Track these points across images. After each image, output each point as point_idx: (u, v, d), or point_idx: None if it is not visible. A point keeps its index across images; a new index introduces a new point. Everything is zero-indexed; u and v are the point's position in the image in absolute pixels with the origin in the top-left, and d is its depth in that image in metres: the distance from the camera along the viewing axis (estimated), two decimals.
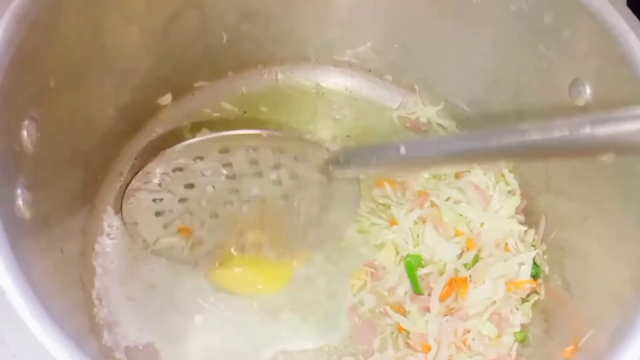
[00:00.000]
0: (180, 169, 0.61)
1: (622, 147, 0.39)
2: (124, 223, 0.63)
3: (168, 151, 0.60)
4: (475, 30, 0.67)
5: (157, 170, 0.60)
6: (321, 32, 0.77)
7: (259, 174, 0.63)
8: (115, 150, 0.71)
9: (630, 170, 0.53)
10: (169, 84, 0.74)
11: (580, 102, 0.57)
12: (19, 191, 0.46)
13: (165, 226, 0.63)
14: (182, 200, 0.63)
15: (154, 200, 0.62)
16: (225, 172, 0.62)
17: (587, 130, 0.39)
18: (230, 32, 0.73)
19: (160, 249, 0.65)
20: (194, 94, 0.78)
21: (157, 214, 0.63)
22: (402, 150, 0.53)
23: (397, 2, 0.71)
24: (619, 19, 0.53)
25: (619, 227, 0.53)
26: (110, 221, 0.69)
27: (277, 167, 0.63)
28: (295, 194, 0.64)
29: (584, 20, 0.55)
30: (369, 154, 0.59)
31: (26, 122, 0.47)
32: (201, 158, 0.61)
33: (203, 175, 0.62)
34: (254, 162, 0.62)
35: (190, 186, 0.62)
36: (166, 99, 0.75)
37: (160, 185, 0.61)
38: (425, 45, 0.74)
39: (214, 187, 0.63)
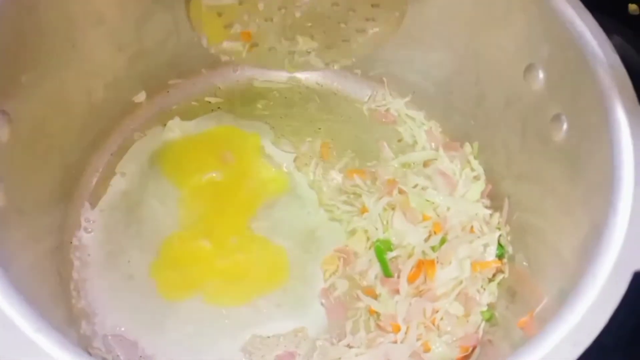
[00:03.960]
0: None
1: None
2: (189, 19, 0.66)
3: None
4: (437, 22, 0.70)
5: None
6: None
7: None
8: (91, 147, 0.73)
9: (577, 152, 0.56)
10: (142, 81, 0.76)
11: (536, 86, 0.59)
12: None
13: (226, 27, 0.67)
14: (241, 2, 0.65)
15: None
16: None
17: None
18: None
19: (223, 49, 0.69)
20: (168, 92, 0.80)
21: (219, 14, 0.66)
22: None
23: None
24: (566, 6, 0.56)
25: (568, 204, 0.56)
26: (87, 215, 0.70)
27: None
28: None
29: (534, 8, 0.57)
30: None
31: None
32: None
33: None
34: None
35: None
36: (140, 96, 0.77)
37: None
38: (391, 39, 0.76)
39: None
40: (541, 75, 0.59)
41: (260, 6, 0.68)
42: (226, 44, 0.72)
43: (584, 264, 0.46)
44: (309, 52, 0.74)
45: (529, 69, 0.60)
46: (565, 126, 0.57)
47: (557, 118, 0.58)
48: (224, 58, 0.75)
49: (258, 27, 0.71)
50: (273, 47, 0.73)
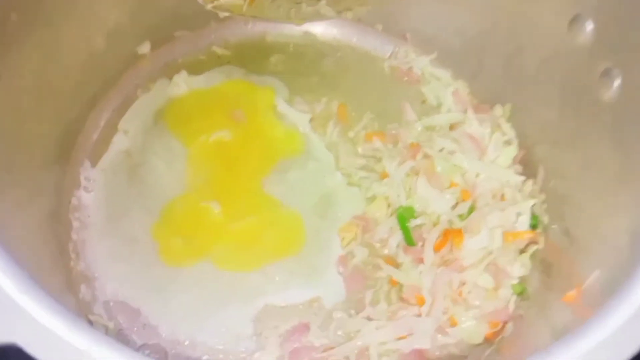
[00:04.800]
0: None
1: None
2: None
3: None
4: None
5: None
6: None
7: None
8: (91, 102, 0.68)
9: (629, 113, 0.50)
10: (147, 31, 0.70)
11: (582, 38, 0.53)
12: None
13: None
14: None
15: None
16: None
17: None
18: None
19: (220, 5, 0.65)
20: (174, 43, 0.74)
21: None
22: None
23: None
24: None
25: (615, 175, 0.51)
26: (87, 174, 0.65)
27: None
28: None
29: None
30: None
31: None
32: None
33: None
34: None
35: None
36: (144, 47, 0.71)
37: None
38: None
39: None
40: (589, 26, 0.53)
41: None
42: (224, 0, 0.68)
43: (637, 250, 0.41)
44: (318, 1, 0.68)
45: (575, 19, 0.54)
46: (616, 83, 0.51)
47: (606, 74, 0.52)
48: (222, 14, 0.71)
49: None
50: None
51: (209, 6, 0.68)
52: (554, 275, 0.57)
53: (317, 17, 0.71)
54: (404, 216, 0.64)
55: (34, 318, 0.31)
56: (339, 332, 0.60)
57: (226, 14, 0.70)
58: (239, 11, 0.70)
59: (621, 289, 0.40)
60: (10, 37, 0.48)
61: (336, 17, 0.70)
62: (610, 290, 0.40)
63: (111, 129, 0.68)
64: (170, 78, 0.72)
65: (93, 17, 0.60)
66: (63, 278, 0.58)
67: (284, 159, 0.68)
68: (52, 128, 0.61)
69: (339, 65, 0.76)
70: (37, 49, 0.53)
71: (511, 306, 0.60)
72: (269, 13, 0.71)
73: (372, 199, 0.67)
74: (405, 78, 0.76)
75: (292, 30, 0.77)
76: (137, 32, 0.69)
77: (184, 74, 0.72)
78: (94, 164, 0.66)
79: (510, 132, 0.68)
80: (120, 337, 0.57)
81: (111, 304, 0.59)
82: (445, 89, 0.74)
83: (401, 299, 0.61)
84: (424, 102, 0.74)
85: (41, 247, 0.57)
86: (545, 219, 0.61)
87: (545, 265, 0.60)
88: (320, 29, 0.77)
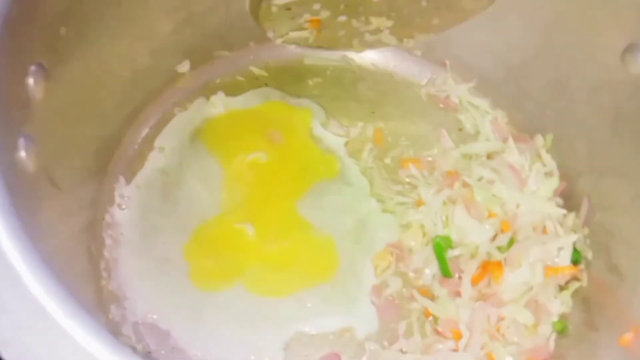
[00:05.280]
0: None
1: None
2: (256, 20, 0.66)
3: None
4: None
5: None
6: None
7: None
8: (130, 118, 0.68)
9: None
10: (187, 50, 0.71)
11: (635, 69, 0.52)
12: (21, 140, 0.42)
13: (294, 18, 0.66)
14: None
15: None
16: None
17: None
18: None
19: (289, 39, 0.69)
20: (213, 63, 0.74)
21: (288, 8, 0.65)
22: None
23: None
24: None
25: None
26: (122, 191, 0.65)
27: None
28: None
29: None
30: None
31: (33, 68, 0.44)
32: None
33: None
34: None
35: None
36: (184, 66, 0.71)
37: None
38: None
39: None
40: None
41: None
42: (293, 34, 0.71)
43: None
44: (382, 30, 0.70)
45: (630, 49, 0.52)
46: None
47: None
48: (291, 46, 0.73)
49: (329, 15, 0.69)
50: (342, 30, 0.70)
51: (279, 41, 0.72)
52: (600, 315, 0.55)
53: (379, 45, 0.72)
54: (441, 246, 0.62)
55: (78, 342, 0.30)
56: None
57: (294, 46, 0.73)
58: (306, 43, 0.72)
59: None
60: (59, 50, 0.49)
61: (398, 45, 0.72)
62: None
63: (148, 146, 0.68)
64: (208, 97, 0.72)
65: (139, 34, 0.61)
66: (94, 297, 0.58)
67: (318, 182, 0.67)
68: (92, 142, 0.61)
69: (376, 90, 0.75)
70: (83, 63, 0.54)
71: (551, 344, 0.57)
72: (332, 43, 0.73)
73: (407, 226, 0.66)
74: (442, 105, 0.75)
75: (330, 54, 0.77)
76: (179, 50, 0.70)
77: (221, 94, 0.72)
78: (128, 180, 0.66)
79: (551, 163, 0.66)
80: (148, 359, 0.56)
81: (140, 325, 0.58)
82: (484, 118, 0.73)
83: (436, 332, 0.59)
84: (461, 129, 0.73)
85: (73, 265, 0.57)
86: (589, 254, 0.59)
87: (589, 304, 0.57)
88: (358, 53, 0.77)
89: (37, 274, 0.36)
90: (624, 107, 0.55)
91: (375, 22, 0.71)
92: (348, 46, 0.74)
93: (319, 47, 0.74)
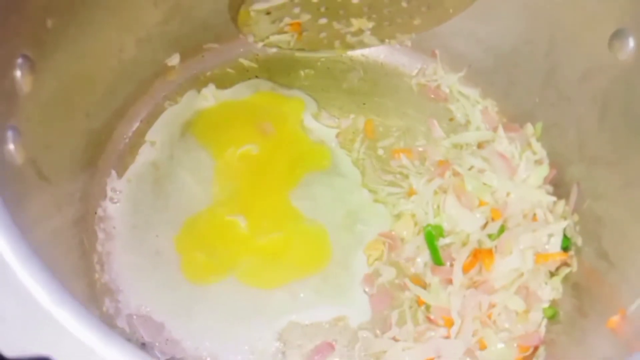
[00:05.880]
0: None
1: None
2: (236, 25, 0.67)
3: None
4: None
5: None
6: None
7: None
8: (120, 112, 0.68)
9: None
10: (177, 43, 0.70)
11: (624, 55, 0.52)
12: (9, 132, 0.42)
13: (274, 22, 0.66)
14: None
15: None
16: None
17: None
18: None
19: (270, 43, 0.70)
20: (203, 56, 0.74)
21: (267, 13, 0.65)
22: None
23: None
24: None
25: None
26: (113, 185, 0.65)
27: None
28: None
29: None
30: None
31: (19, 60, 0.44)
32: None
33: None
34: None
35: None
36: (174, 59, 0.71)
37: None
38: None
39: None
40: (632, 42, 0.52)
41: None
42: (273, 38, 0.72)
43: None
44: (363, 31, 0.70)
45: (617, 35, 0.53)
46: None
47: None
48: (271, 49, 0.73)
49: (309, 18, 0.69)
50: (323, 32, 0.70)
51: (260, 44, 0.73)
52: (589, 300, 0.56)
53: (361, 46, 0.73)
54: (432, 234, 0.63)
55: (69, 331, 0.30)
56: (365, 353, 0.58)
57: (274, 49, 0.73)
58: (288, 46, 0.73)
59: None
60: (45, 42, 0.48)
61: (379, 45, 0.73)
62: None
63: (138, 139, 0.68)
64: (199, 91, 0.72)
65: (126, 25, 0.61)
66: (87, 290, 0.58)
67: (310, 173, 0.67)
68: (82, 136, 0.61)
69: (367, 81, 0.75)
70: (70, 55, 0.53)
71: (542, 330, 0.58)
72: (314, 46, 0.73)
73: (398, 216, 0.66)
74: (433, 95, 0.75)
75: None
76: (168, 42, 0.69)
77: (212, 87, 0.71)
78: (120, 174, 0.66)
79: (541, 152, 0.67)
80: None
81: (134, 317, 0.58)
82: (474, 107, 0.73)
83: (428, 320, 0.59)
84: (451, 119, 0.73)
85: (66, 258, 0.57)
86: (578, 240, 0.60)
87: (579, 290, 0.58)
88: None
89: (26, 265, 0.36)
90: (612, 94, 0.55)
91: (356, 23, 0.71)
92: (330, 48, 0.74)
93: (301, 49, 0.74)
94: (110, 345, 0.29)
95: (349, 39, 0.73)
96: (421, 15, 0.68)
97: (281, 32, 0.72)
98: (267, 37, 0.72)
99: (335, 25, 0.70)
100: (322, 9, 0.68)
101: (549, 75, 0.63)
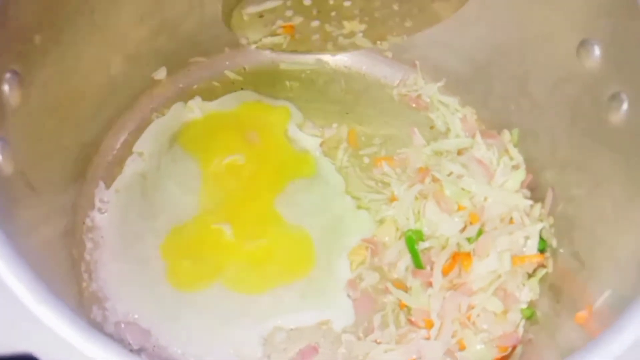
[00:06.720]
0: None
1: None
2: (229, 27, 0.67)
3: None
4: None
5: None
6: None
7: None
8: (108, 124, 0.69)
9: (637, 136, 0.51)
10: (163, 57, 0.72)
11: (590, 63, 0.55)
12: None
13: (267, 25, 0.67)
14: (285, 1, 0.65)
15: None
16: None
17: None
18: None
19: (263, 45, 0.71)
20: (189, 70, 0.76)
21: (260, 16, 0.66)
22: None
23: None
24: None
25: (624, 198, 0.51)
26: (101, 196, 0.67)
27: None
28: None
29: None
30: None
31: (7, 75, 0.45)
32: None
33: None
34: None
35: None
36: (161, 73, 0.73)
37: None
38: None
39: None
40: (597, 51, 0.54)
41: (307, 2, 0.68)
42: (266, 40, 0.73)
43: None
44: (355, 34, 0.72)
45: (583, 44, 0.55)
46: (625, 106, 0.52)
47: (615, 97, 0.52)
48: (265, 51, 0.75)
49: (302, 20, 0.70)
50: (316, 34, 0.72)
51: (253, 46, 0.74)
52: (563, 299, 0.57)
53: (353, 47, 0.74)
54: (412, 239, 0.64)
55: (50, 328, 0.31)
56: (348, 356, 0.60)
57: (268, 50, 0.75)
58: (280, 48, 0.75)
59: (632, 307, 0.40)
60: (33, 57, 0.50)
61: (371, 47, 0.74)
62: (621, 309, 0.41)
63: (126, 151, 0.70)
64: (185, 103, 0.73)
65: (113, 41, 0.62)
66: (75, 298, 0.59)
67: (295, 181, 0.69)
68: (70, 148, 0.63)
69: (350, 92, 0.77)
70: (58, 70, 0.55)
71: (520, 330, 0.60)
72: (307, 47, 0.75)
73: (381, 221, 0.68)
74: (414, 105, 0.77)
75: (306, 58, 0.79)
76: (154, 57, 0.71)
77: (198, 99, 0.73)
78: (108, 185, 0.67)
79: (518, 157, 0.69)
80: None
81: (122, 324, 0.59)
82: (453, 115, 0.75)
83: (410, 322, 0.61)
84: (432, 127, 0.76)
85: (54, 267, 0.58)
86: (553, 242, 0.62)
87: (554, 290, 0.60)
88: (331, 57, 0.79)
89: (9, 264, 0.37)
90: (580, 101, 0.57)
91: (348, 25, 0.73)
92: (322, 49, 0.76)
93: (294, 51, 0.76)
94: (91, 341, 0.31)
95: (341, 40, 0.74)
96: (412, 18, 0.70)
97: (274, 34, 0.73)
98: (260, 39, 0.74)
99: (328, 27, 0.72)
100: (315, 12, 0.70)
101: (523, 84, 0.65)
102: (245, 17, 0.70)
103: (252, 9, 0.69)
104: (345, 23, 0.72)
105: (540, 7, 0.59)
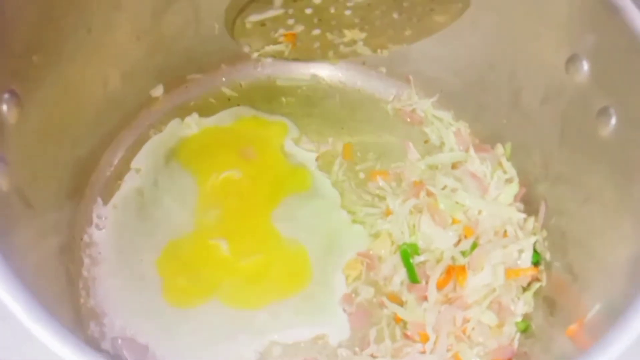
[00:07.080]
0: None
1: None
2: (232, 37, 0.68)
3: None
4: (471, 13, 0.66)
5: None
6: None
7: None
8: (105, 140, 0.70)
9: (626, 150, 0.51)
10: (160, 75, 0.73)
11: (579, 78, 0.56)
12: None
13: (268, 33, 0.68)
14: (287, 10, 0.66)
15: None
16: None
17: None
18: (222, 23, 0.73)
19: (265, 53, 0.73)
20: (186, 87, 0.77)
21: (262, 24, 0.67)
22: None
23: None
24: None
25: (615, 210, 0.52)
26: (99, 212, 0.67)
27: None
28: None
29: None
30: None
31: (5, 95, 0.46)
32: None
33: None
34: None
35: None
36: (158, 90, 0.74)
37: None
38: None
39: None
40: (585, 66, 0.55)
41: (308, 11, 0.68)
42: (268, 48, 0.74)
43: (637, 280, 0.41)
44: (356, 42, 0.73)
45: (572, 60, 0.56)
46: (613, 121, 0.52)
47: (603, 112, 0.53)
48: (267, 59, 0.77)
49: (303, 29, 0.71)
50: (317, 42, 0.73)
51: (255, 54, 0.75)
52: (558, 313, 0.58)
53: (354, 55, 0.76)
54: (407, 252, 0.65)
55: (46, 345, 0.32)
56: None
57: (269, 58, 0.77)
58: (282, 56, 0.76)
59: (621, 319, 0.40)
60: (31, 77, 0.51)
61: (372, 55, 0.75)
62: (611, 321, 0.41)
63: (124, 167, 0.70)
64: (182, 119, 0.74)
65: (111, 59, 0.63)
66: (72, 315, 0.59)
67: (290, 195, 0.70)
68: (68, 165, 0.63)
69: (345, 107, 0.78)
70: (56, 89, 0.56)
71: (515, 343, 0.60)
72: (307, 55, 0.76)
73: (376, 235, 0.68)
74: (408, 119, 0.78)
75: (302, 74, 0.80)
76: (152, 74, 0.72)
77: (195, 115, 0.74)
78: (106, 201, 0.68)
79: (511, 170, 0.69)
80: None
81: (119, 340, 0.59)
82: (447, 130, 0.76)
83: (405, 336, 0.61)
84: (426, 142, 0.76)
85: (52, 283, 0.58)
86: (547, 255, 0.62)
87: (548, 303, 0.60)
88: (327, 72, 0.80)
89: (5, 283, 0.37)
90: (570, 115, 0.58)
91: (349, 34, 0.73)
92: (324, 57, 0.77)
93: (295, 59, 0.77)
94: (86, 359, 0.31)
95: (342, 49, 0.75)
96: (412, 27, 0.71)
97: (276, 42, 0.74)
98: (263, 48, 0.75)
99: (329, 35, 0.73)
100: (316, 20, 0.70)
101: (514, 98, 0.66)
102: (248, 26, 0.70)
103: (255, 18, 0.69)
104: (345, 31, 0.73)
105: (530, 23, 0.60)
